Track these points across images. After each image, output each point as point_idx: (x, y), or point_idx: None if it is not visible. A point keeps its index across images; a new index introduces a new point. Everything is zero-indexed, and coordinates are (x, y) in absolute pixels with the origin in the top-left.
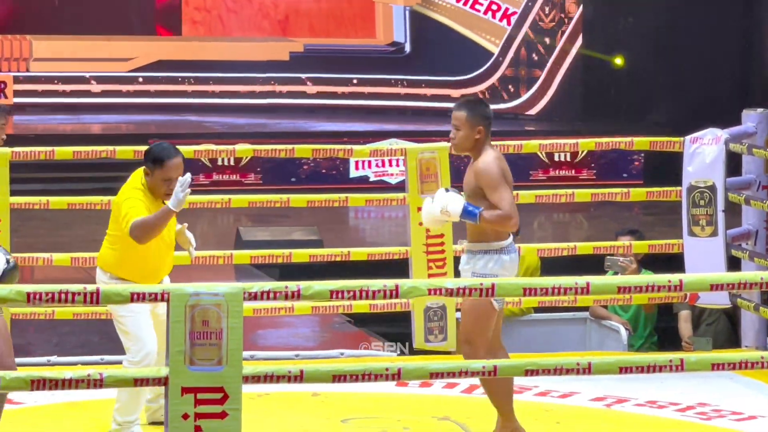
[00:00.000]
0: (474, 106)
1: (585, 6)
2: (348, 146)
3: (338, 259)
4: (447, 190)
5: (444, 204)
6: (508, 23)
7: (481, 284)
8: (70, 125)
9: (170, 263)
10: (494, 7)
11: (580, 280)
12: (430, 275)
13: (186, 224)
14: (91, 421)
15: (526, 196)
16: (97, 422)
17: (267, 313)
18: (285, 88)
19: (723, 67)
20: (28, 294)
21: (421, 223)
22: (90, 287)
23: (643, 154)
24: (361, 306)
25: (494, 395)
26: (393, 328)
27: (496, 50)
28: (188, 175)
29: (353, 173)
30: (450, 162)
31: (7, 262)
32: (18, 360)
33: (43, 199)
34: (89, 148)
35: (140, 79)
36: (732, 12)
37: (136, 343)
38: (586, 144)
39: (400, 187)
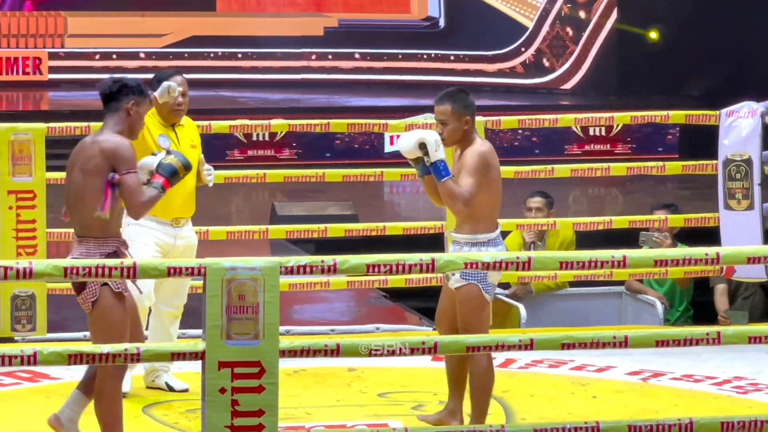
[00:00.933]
0: (457, 98)
1: None
2: (383, 121)
3: (373, 233)
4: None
5: (424, 139)
6: None
7: (518, 258)
8: None
9: (186, 202)
10: None
11: (617, 253)
12: None
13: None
14: (128, 395)
15: (562, 170)
16: (133, 397)
17: (302, 288)
18: (319, 64)
19: (759, 40)
20: (65, 269)
21: None
22: (127, 262)
23: (678, 128)
24: (396, 280)
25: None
26: (428, 302)
27: (530, 24)
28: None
29: (388, 148)
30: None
31: (168, 152)
32: (54, 335)
33: None
34: None
35: (174, 55)
36: None
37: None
38: (622, 118)
39: None
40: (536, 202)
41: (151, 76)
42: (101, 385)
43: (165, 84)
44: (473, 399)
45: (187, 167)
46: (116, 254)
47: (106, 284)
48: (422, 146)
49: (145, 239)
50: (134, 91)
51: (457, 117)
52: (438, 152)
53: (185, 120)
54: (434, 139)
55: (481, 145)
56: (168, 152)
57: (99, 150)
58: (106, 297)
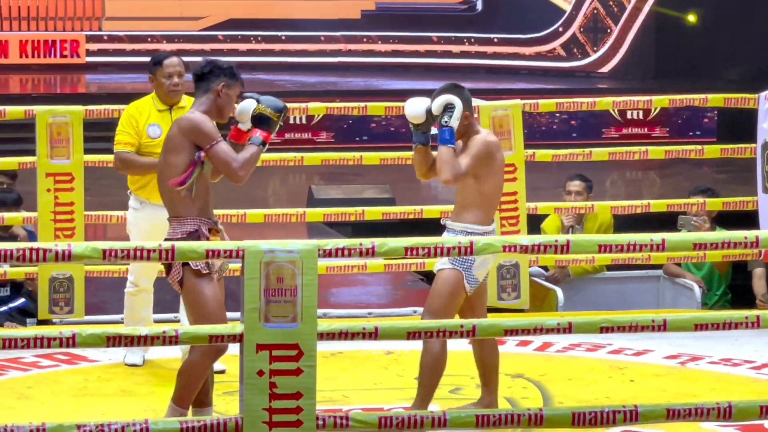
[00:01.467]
0: (456, 93)
1: None
2: None
3: (411, 216)
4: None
5: (454, 101)
6: None
7: (556, 241)
8: (141, 84)
9: None
10: None
11: (656, 236)
12: (502, 233)
13: None
14: (165, 378)
15: (600, 153)
16: (171, 379)
17: (339, 271)
18: (356, 47)
19: None
20: (104, 251)
21: None
22: (165, 244)
23: (716, 112)
24: (434, 263)
25: (425, 371)
26: None
27: (568, 8)
28: None
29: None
30: (523, 120)
31: (256, 100)
32: (92, 317)
33: None
34: None
35: (211, 38)
36: None
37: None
38: (660, 101)
39: None
40: (576, 185)
41: (187, 59)
42: (195, 358)
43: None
44: (420, 378)
45: (278, 110)
46: (197, 234)
47: (187, 264)
48: (448, 107)
49: (141, 224)
50: (225, 73)
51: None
52: (456, 121)
53: (186, 100)
54: (461, 108)
55: (487, 135)
56: (257, 101)
57: (178, 129)
58: (189, 276)
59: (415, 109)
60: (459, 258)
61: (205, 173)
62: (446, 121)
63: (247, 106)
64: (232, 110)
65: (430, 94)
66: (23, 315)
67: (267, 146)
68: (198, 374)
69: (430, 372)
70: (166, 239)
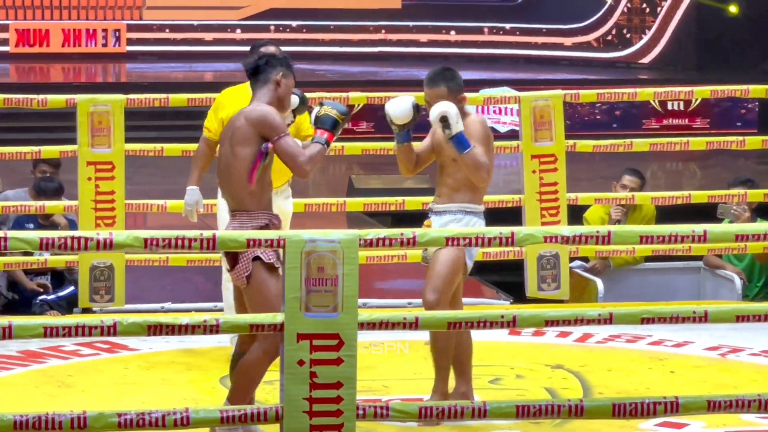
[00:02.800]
0: (450, 78)
1: None
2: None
3: None
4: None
5: (446, 112)
6: None
7: (598, 232)
8: (182, 73)
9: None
10: None
11: (698, 227)
12: (543, 223)
13: None
14: (205, 367)
15: (640, 144)
16: (211, 369)
17: (379, 261)
18: (396, 36)
19: None
20: (145, 240)
21: (534, 171)
22: (206, 233)
23: (757, 103)
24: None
25: (439, 354)
26: (505, 276)
27: None
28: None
29: None
30: (564, 110)
31: (321, 103)
32: (132, 306)
33: (158, 146)
34: (203, 95)
35: (252, 28)
36: None
37: None
38: (701, 92)
39: (511, 135)
40: (631, 181)
41: (228, 48)
42: (254, 357)
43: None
44: (435, 362)
45: (344, 113)
46: (268, 227)
47: (258, 258)
48: (443, 120)
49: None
50: (282, 63)
51: (453, 96)
52: (459, 124)
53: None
54: (455, 112)
55: (477, 116)
56: (321, 104)
57: (245, 120)
58: (259, 271)
59: (400, 109)
60: None
61: (267, 165)
62: (449, 133)
63: (293, 99)
64: (290, 99)
65: (470, 84)
66: (69, 305)
67: (330, 147)
68: (257, 373)
69: (443, 353)
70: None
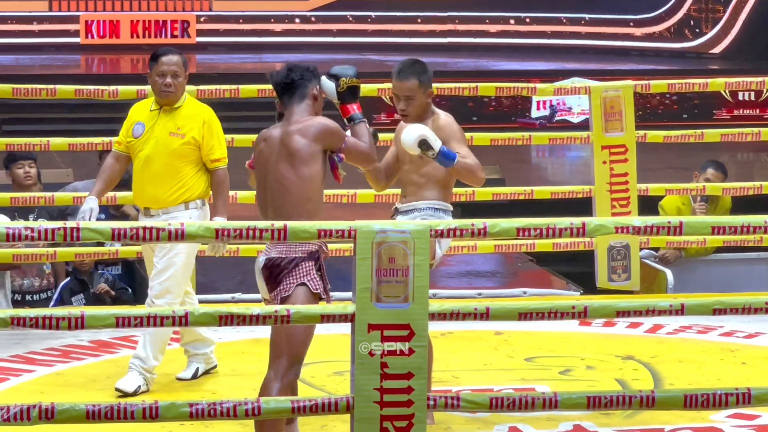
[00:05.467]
0: (421, 70)
1: None
2: (531, 85)
3: (521, 197)
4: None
5: (424, 135)
6: None
7: (669, 222)
8: (251, 64)
9: (153, 195)
10: None
11: None
12: (613, 214)
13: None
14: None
15: (711, 134)
16: None
17: (450, 252)
18: (466, 27)
19: None
20: (217, 230)
21: (605, 162)
22: (278, 224)
23: None
24: (544, 244)
25: None
26: (575, 267)
27: None
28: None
29: (535, 113)
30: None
31: (333, 76)
32: (202, 297)
33: (228, 136)
34: None
35: (321, 19)
36: None
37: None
38: None
39: (583, 126)
40: (714, 175)
41: (297, 39)
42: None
43: None
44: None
45: (357, 75)
46: (318, 254)
47: (303, 284)
48: (423, 143)
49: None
50: (315, 75)
51: (424, 90)
52: (437, 140)
53: (187, 103)
54: (428, 130)
55: (445, 113)
56: (333, 75)
57: (303, 138)
58: (300, 297)
59: (409, 144)
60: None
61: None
62: (434, 153)
63: (330, 85)
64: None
65: (540, 74)
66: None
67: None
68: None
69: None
70: (276, 258)
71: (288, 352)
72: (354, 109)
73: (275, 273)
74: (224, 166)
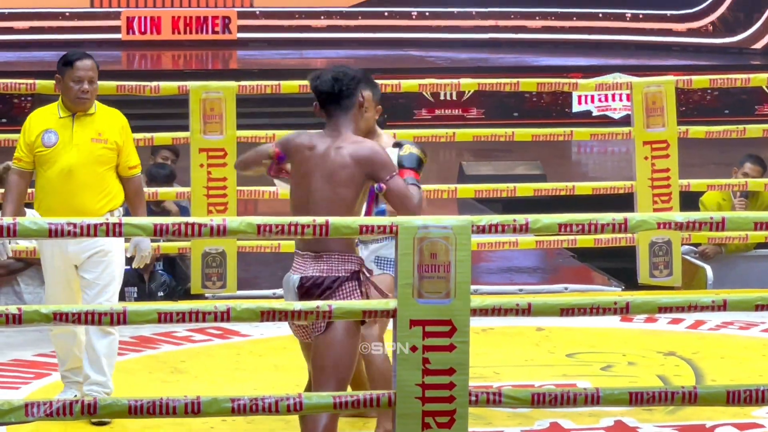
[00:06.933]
0: (373, 84)
1: None
2: (572, 80)
3: (563, 193)
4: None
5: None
6: None
7: (711, 218)
8: (293, 60)
9: (80, 206)
10: None
11: None
12: (655, 210)
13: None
14: None
15: (753, 130)
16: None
17: (491, 248)
18: (507, 23)
19: None
20: (258, 226)
21: (646, 157)
22: (319, 220)
23: None
24: (585, 240)
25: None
26: (616, 263)
27: None
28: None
29: (576, 108)
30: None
31: (399, 144)
32: (244, 292)
33: (269, 132)
34: None
35: (362, 15)
36: None
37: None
38: None
39: (624, 121)
40: (753, 169)
41: (339, 35)
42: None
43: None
44: (373, 385)
45: (425, 153)
46: (359, 273)
47: None
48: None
49: (45, 250)
50: (359, 81)
51: (374, 105)
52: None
53: (99, 109)
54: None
55: (387, 135)
56: (400, 144)
57: (351, 160)
58: (340, 324)
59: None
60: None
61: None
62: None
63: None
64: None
65: (582, 70)
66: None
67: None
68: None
69: (386, 384)
70: (316, 277)
71: (335, 377)
72: (410, 173)
73: (314, 293)
74: (140, 173)
